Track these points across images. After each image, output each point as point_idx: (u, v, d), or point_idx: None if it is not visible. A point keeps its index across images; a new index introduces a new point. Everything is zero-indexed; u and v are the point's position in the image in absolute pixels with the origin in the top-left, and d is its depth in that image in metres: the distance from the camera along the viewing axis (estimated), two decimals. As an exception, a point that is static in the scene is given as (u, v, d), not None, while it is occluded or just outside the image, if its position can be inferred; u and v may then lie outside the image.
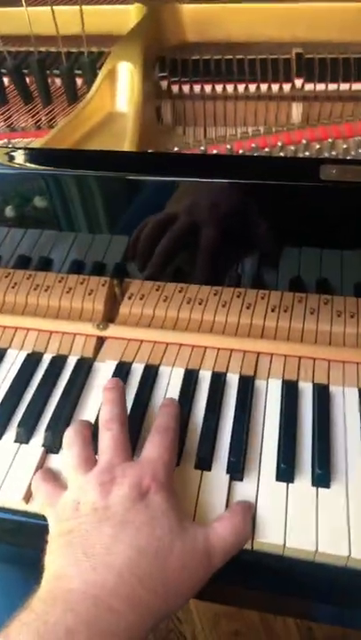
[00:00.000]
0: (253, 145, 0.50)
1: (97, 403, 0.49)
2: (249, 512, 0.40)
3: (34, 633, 0.30)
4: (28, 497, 0.43)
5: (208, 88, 0.63)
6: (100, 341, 0.56)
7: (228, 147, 0.50)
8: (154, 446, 0.41)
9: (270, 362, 0.52)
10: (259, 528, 0.40)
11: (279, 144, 0.50)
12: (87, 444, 0.42)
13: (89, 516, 0.36)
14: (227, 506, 0.41)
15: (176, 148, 0.53)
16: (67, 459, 0.42)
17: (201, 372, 0.51)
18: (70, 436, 0.43)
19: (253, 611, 0.86)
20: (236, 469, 0.43)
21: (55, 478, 0.43)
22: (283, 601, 0.45)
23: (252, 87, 0.63)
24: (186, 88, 0.64)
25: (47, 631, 0.30)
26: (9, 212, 0.49)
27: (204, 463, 0.43)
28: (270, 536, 0.39)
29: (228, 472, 0.43)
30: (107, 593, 0.32)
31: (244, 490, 0.42)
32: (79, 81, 0.66)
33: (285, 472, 0.42)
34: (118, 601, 0.32)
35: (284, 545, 0.39)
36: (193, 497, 0.42)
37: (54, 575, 0.34)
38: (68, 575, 0.33)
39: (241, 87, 0.63)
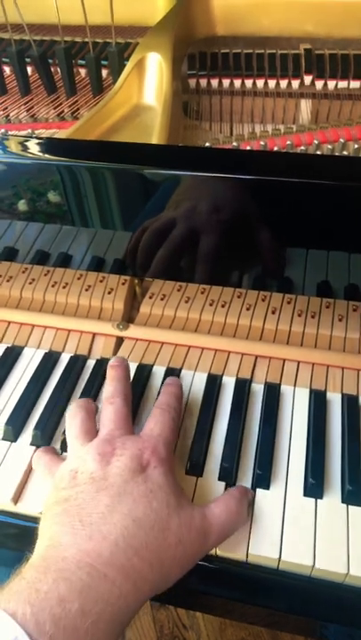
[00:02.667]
0: (288, 142, 0.48)
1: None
2: (246, 497, 0.39)
3: (24, 601, 0.29)
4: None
5: (238, 83, 0.61)
6: (120, 342, 0.54)
7: (263, 143, 0.48)
8: (155, 423, 0.40)
9: (297, 369, 0.50)
10: (286, 547, 0.38)
11: (315, 142, 0.48)
12: (90, 417, 0.42)
13: (87, 485, 0.35)
14: (251, 521, 0.39)
15: (207, 144, 0.51)
16: (68, 430, 0.41)
17: (224, 377, 0.49)
18: (73, 409, 0.42)
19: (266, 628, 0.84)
20: (263, 484, 0.41)
21: (55, 453, 0.43)
22: (301, 622, 0.42)
23: (284, 83, 0.61)
24: (214, 82, 0.62)
25: (39, 599, 0.29)
26: (29, 205, 0.47)
27: (228, 475, 0.42)
28: (298, 556, 0.37)
29: (253, 486, 0.41)
30: (102, 562, 0.31)
31: (270, 506, 0.40)
32: (104, 73, 0.64)
33: (314, 487, 0.40)
34: (113, 570, 0.31)
35: (313, 566, 0.37)
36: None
37: (48, 543, 0.33)
38: (62, 543, 0.33)
39: (272, 83, 0.61)
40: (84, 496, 0.35)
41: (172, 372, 0.50)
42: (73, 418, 0.42)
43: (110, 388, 0.43)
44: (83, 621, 0.29)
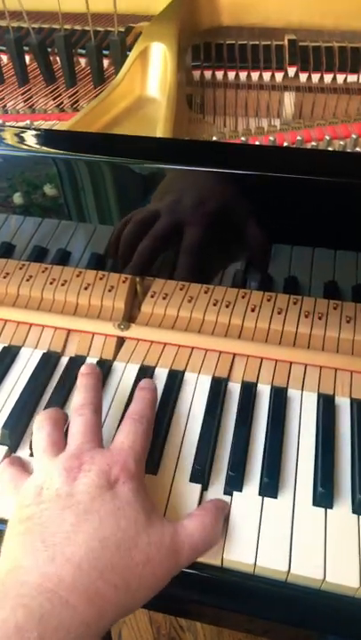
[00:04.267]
0: (299, 137, 0.46)
1: (119, 410, 0.46)
2: (222, 512, 0.38)
3: None
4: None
5: (243, 75, 0.60)
6: (121, 342, 0.52)
7: (272, 138, 0.46)
8: (126, 434, 0.38)
9: (304, 373, 0.48)
10: (296, 560, 0.36)
11: (327, 138, 0.47)
12: (58, 428, 0.40)
13: (52, 502, 0.34)
14: (259, 532, 0.38)
15: (214, 138, 0.49)
16: (35, 442, 0.40)
17: (230, 381, 0.48)
18: (41, 419, 0.41)
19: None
20: (271, 492, 0.39)
21: (23, 464, 0.41)
22: (300, 632, 0.41)
23: (292, 75, 0.59)
24: (219, 74, 0.60)
25: None
26: (27, 198, 0.45)
27: (235, 484, 0.40)
28: (308, 569, 0.36)
29: (260, 494, 0.40)
30: (64, 587, 0.30)
31: (278, 516, 0.39)
32: (105, 63, 0.62)
33: (324, 497, 0.39)
34: (75, 595, 0.30)
35: (324, 579, 0.35)
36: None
37: (9, 566, 0.32)
38: (23, 566, 0.31)
39: (279, 76, 0.59)
40: (48, 514, 0.33)
41: (175, 375, 0.48)
42: (40, 430, 0.40)
43: (79, 398, 0.41)
44: None
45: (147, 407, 0.42)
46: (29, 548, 0.32)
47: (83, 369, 0.44)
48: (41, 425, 0.40)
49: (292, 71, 0.58)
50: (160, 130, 0.48)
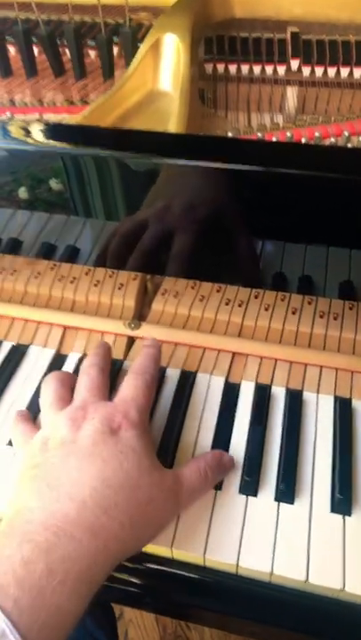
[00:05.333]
0: (317, 134, 0.45)
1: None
2: (219, 462, 0.39)
3: None
4: None
5: (257, 69, 0.58)
6: (131, 342, 0.51)
7: (289, 134, 0.45)
8: (129, 388, 0.40)
9: (320, 375, 0.47)
10: (314, 569, 0.35)
11: (345, 134, 0.45)
12: (64, 385, 0.41)
13: (57, 449, 0.35)
14: (275, 539, 0.37)
15: (229, 134, 0.48)
16: (42, 398, 0.41)
17: (243, 382, 0.47)
18: (48, 378, 0.42)
19: None
20: (287, 498, 0.38)
21: (31, 418, 0.43)
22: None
23: (306, 71, 0.57)
24: (233, 68, 0.59)
25: (1, 563, 0.29)
26: (34, 193, 0.44)
27: (250, 488, 0.39)
28: (327, 578, 0.35)
29: (276, 499, 0.39)
30: (68, 521, 0.31)
31: (295, 523, 0.38)
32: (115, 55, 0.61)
33: (342, 503, 0.38)
34: (80, 529, 0.31)
35: (343, 588, 0.34)
36: (237, 525, 0.37)
37: (15, 508, 0.33)
38: (29, 507, 0.32)
39: (294, 70, 0.57)
40: (53, 460, 0.35)
41: (187, 376, 0.47)
42: (47, 386, 0.41)
43: (88, 361, 0.43)
44: (49, 581, 0.28)
45: (150, 362, 0.42)
46: (35, 492, 0.33)
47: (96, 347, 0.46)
48: (48, 382, 0.42)
49: (295, 64, 0.56)
50: (173, 125, 0.46)
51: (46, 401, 0.40)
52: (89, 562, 0.30)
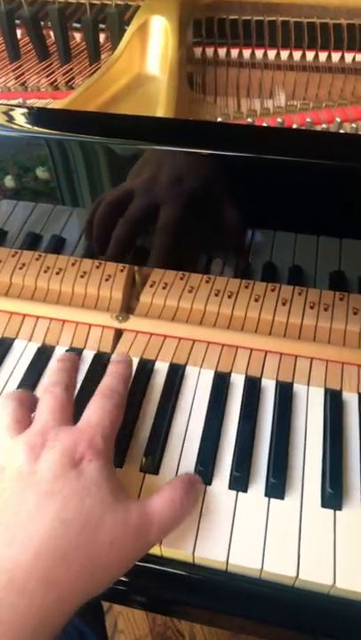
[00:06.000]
0: (308, 120, 0.44)
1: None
2: (191, 485, 0.36)
3: None
4: None
5: (247, 53, 0.57)
6: (119, 334, 0.50)
7: (280, 120, 0.44)
8: (95, 410, 0.37)
9: (310, 367, 0.46)
10: (304, 565, 0.35)
11: (337, 120, 0.44)
12: (22, 407, 0.38)
13: (14, 480, 0.33)
14: (265, 535, 0.36)
15: (219, 119, 0.46)
16: None
17: (233, 375, 0.46)
18: (4, 398, 0.39)
19: None
20: (278, 493, 0.38)
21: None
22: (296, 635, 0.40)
23: (297, 55, 0.56)
24: (222, 52, 0.57)
25: None
26: (18, 181, 0.43)
27: (240, 483, 0.38)
28: (318, 574, 0.34)
29: (266, 495, 0.38)
30: (21, 571, 0.29)
31: (286, 518, 0.37)
32: (101, 37, 0.59)
33: (333, 498, 0.37)
34: (33, 581, 0.29)
35: (333, 584, 0.34)
36: (227, 522, 0.37)
37: None
38: None
39: (285, 54, 0.56)
40: (9, 493, 0.32)
41: (176, 369, 0.46)
42: (3, 407, 0.38)
43: (52, 378, 0.40)
44: None
45: (119, 382, 0.40)
46: None
47: (60, 356, 0.43)
48: (4, 403, 0.38)
49: (285, 53, 0.55)
50: (161, 109, 0.45)
51: (2, 424, 0.37)
52: (40, 617, 0.28)
